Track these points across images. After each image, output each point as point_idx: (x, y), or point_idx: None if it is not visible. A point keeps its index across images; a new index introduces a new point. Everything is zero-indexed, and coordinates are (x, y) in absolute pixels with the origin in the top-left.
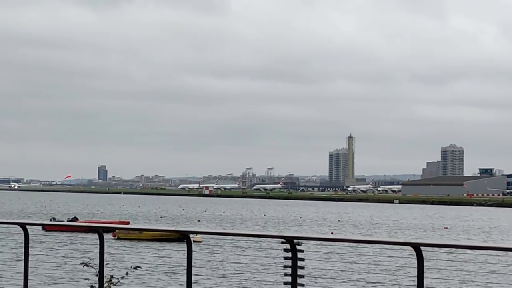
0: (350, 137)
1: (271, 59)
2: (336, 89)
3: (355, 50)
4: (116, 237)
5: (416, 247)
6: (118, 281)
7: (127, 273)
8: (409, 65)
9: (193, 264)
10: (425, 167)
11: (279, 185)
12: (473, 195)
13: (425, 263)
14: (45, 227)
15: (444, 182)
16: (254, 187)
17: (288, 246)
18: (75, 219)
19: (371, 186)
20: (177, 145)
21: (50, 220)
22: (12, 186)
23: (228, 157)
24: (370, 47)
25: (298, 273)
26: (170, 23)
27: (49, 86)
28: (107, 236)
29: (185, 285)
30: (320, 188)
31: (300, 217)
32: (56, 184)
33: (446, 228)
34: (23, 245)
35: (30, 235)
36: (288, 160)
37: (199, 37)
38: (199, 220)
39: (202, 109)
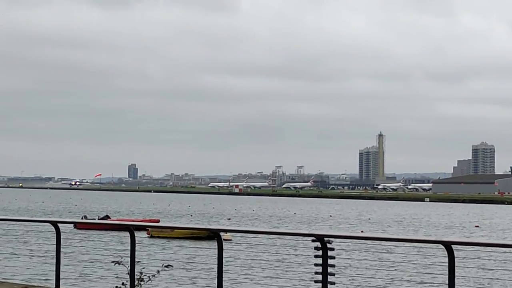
0: (380, 135)
1: (285, 57)
2: (354, 87)
3: (367, 48)
4: (150, 235)
5: (447, 245)
6: (150, 279)
7: (158, 272)
8: (423, 63)
9: (223, 262)
10: (456, 165)
11: (309, 184)
12: (504, 193)
13: (456, 262)
14: (77, 225)
15: (475, 181)
16: (284, 186)
17: (318, 244)
18: (106, 217)
19: (401, 184)
20: (203, 144)
21: (82, 218)
22: (73, 183)
23: (257, 156)
24: (382, 45)
25: (329, 271)
26: (182, 22)
27: (70, 85)
28: (139, 234)
29: (216, 283)
30: (350, 186)
31: (330, 216)
32: (87, 182)
33: (477, 226)
34: (55, 242)
35: (61, 233)
36: (317, 158)
37: (212, 36)
38: (229, 219)
39: (223, 107)
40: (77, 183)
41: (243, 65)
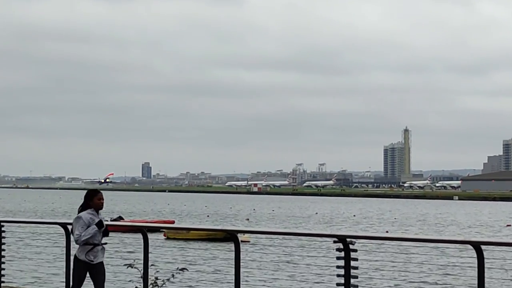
0: (406, 130)
1: (298, 50)
2: (372, 80)
3: (383, 40)
4: (166, 237)
5: (477, 245)
6: (164, 283)
7: (172, 275)
8: (442, 55)
9: (241, 265)
10: (486, 162)
11: (331, 182)
12: None
13: (486, 263)
14: None
15: (507, 177)
16: (305, 184)
17: (340, 245)
18: (119, 218)
19: (428, 181)
20: (218, 141)
21: None
22: (103, 180)
23: (276, 153)
24: (398, 36)
25: (351, 273)
26: (188, 14)
27: (76, 80)
28: (154, 236)
29: (233, 286)
30: (375, 184)
31: (354, 215)
32: (98, 182)
33: (509, 225)
34: (64, 245)
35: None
36: (340, 155)
37: (220, 28)
38: (247, 219)
39: (236, 102)
40: (108, 180)
41: (255, 59)
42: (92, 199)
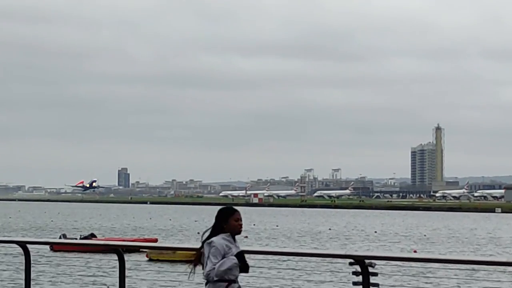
0: (438, 129)
1: (302, 32)
2: (393, 69)
3: (405, 19)
4: (149, 258)
5: None
6: None
7: None
8: (478, 37)
9: None
10: None
11: (347, 191)
12: None
13: None
14: (53, 247)
15: None
16: (315, 194)
17: (358, 268)
18: (91, 236)
19: (465, 191)
20: (210, 142)
21: (60, 238)
22: (88, 185)
23: (280, 156)
24: (423, 16)
25: None
26: None
27: (36, 69)
28: (135, 257)
29: None
30: (401, 194)
31: (375, 232)
32: (65, 192)
33: None
34: (23, 268)
35: (32, 256)
36: (358, 159)
37: (208, 6)
38: (246, 236)
39: (231, 95)
40: (95, 185)
41: (252, 43)
42: (228, 220)
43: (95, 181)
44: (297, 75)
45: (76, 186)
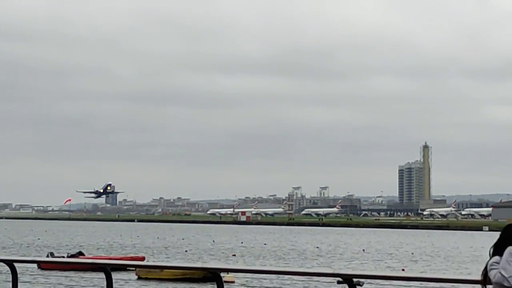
0: (426, 147)
1: (283, 50)
2: (375, 87)
3: (386, 38)
4: (138, 277)
5: None
6: None
7: None
8: (457, 56)
9: None
10: None
11: (335, 209)
12: None
13: None
14: (41, 265)
15: None
16: (303, 212)
17: (346, 286)
18: (79, 254)
19: (453, 209)
20: (196, 160)
21: (47, 256)
22: (102, 191)
23: (267, 174)
24: (403, 35)
25: None
26: (148, 8)
27: (19, 87)
28: (124, 275)
29: None
30: (388, 212)
31: (363, 250)
32: (53, 210)
33: None
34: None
35: (20, 275)
36: (345, 177)
37: (189, 24)
38: (233, 255)
39: (215, 113)
40: (108, 190)
41: (233, 61)
42: None
43: (109, 184)
44: (279, 93)
45: (88, 192)
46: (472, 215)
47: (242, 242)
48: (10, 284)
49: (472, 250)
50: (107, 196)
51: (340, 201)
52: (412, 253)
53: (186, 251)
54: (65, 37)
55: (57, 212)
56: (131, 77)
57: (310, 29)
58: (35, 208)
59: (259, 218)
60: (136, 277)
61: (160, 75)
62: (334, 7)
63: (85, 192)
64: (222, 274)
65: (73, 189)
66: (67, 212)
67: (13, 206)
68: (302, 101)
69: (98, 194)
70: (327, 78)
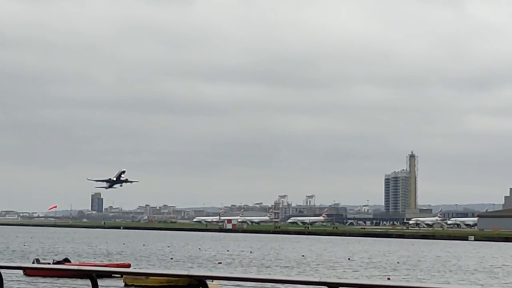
0: (412, 156)
1: (264, 58)
2: (358, 96)
3: (366, 47)
4: (125, 284)
5: None
6: None
7: None
8: (438, 66)
9: None
10: (508, 195)
11: (321, 218)
12: None
13: None
14: (27, 271)
15: None
16: (289, 220)
17: None
18: (65, 260)
19: (438, 218)
20: (182, 167)
21: (33, 262)
22: (115, 179)
23: (253, 183)
24: (384, 44)
25: None
26: (127, 15)
27: (0, 93)
28: (111, 282)
29: None
30: (374, 221)
31: (349, 259)
32: (38, 216)
33: None
34: None
35: (6, 281)
36: (331, 186)
37: (169, 32)
38: (219, 263)
39: (199, 121)
40: (122, 178)
41: (215, 68)
42: None
43: (123, 172)
44: (261, 101)
45: (100, 180)
46: (457, 224)
47: (228, 250)
48: None
49: (458, 259)
50: (120, 185)
51: (326, 209)
52: (398, 262)
53: (171, 258)
54: (46, 43)
55: (42, 218)
56: (112, 84)
57: (290, 38)
58: (21, 214)
59: (245, 226)
60: (123, 284)
61: (142, 82)
62: (312, 16)
63: (96, 181)
64: (208, 282)
65: (59, 195)
66: (52, 219)
67: None
68: (285, 109)
69: (111, 183)
70: (308, 86)
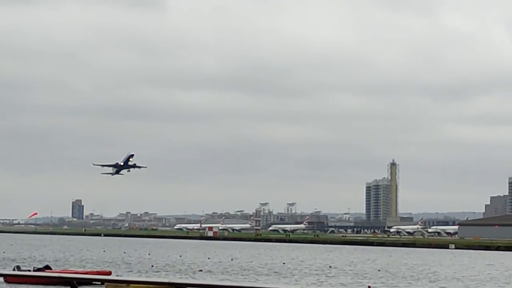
0: (393, 164)
1: (240, 66)
2: (335, 104)
3: (341, 55)
4: None
5: None
6: None
7: None
8: (412, 74)
9: None
10: (489, 203)
11: (302, 226)
12: None
13: None
14: (7, 278)
15: None
16: (270, 228)
17: None
18: (46, 268)
19: (419, 226)
20: (164, 175)
21: (14, 270)
22: (122, 164)
23: (235, 190)
24: (358, 51)
25: None
26: (103, 22)
27: None
28: None
29: None
30: (355, 229)
31: (330, 266)
32: (18, 223)
33: None
34: None
35: None
36: (313, 194)
37: (144, 39)
38: (200, 270)
39: (177, 128)
40: (130, 162)
41: (192, 76)
42: None
43: (132, 155)
44: (238, 109)
45: (107, 165)
46: (438, 232)
47: (209, 258)
48: None
49: (439, 268)
50: (128, 171)
51: (307, 217)
52: (379, 270)
53: (152, 266)
54: (21, 50)
55: (23, 225)
56: (90, 91)
57: (266, 46)
58: (1, 221)
59: (226, 233)
60: None
61: (119, 90)
62: (288, 24)
63: (102, 166)
64: None
65: (39, 202)
66: (33, 226)
67: None
68: (263, 117)
69: (118, 168)
70: (286, 94)
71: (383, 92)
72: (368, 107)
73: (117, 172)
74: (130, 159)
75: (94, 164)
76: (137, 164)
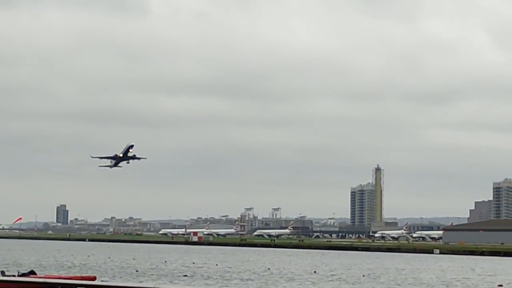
0: (378, 170)
1: (222, 72)
2: (316, 110)
3: (322, 61)
4: None
5: None
6: None
7: None
8: (393, 80)
9: None
10: (473, 208)
11: (287, 231)
12: None
13: None
14: None
15: (497, 227)
16: (255, 233)
17: None
18: (31, 273)
19: (404, 231)
20: (148, 180)
21: None
22: (121, 155)
23: (219, 195)
24: (339, 57)
25: None
26: (85, 28)
27: None
28: None
29: None
30: (340, 234)
31: (315, 271)
32: (3, 228)
33: (501, 286)
34: None
35: None
36: (298, 199)
37: (125, 44)
38: (185, 275)
39: (160, 133)
40: (130, 154)
41: (174, 82)
42: None
43: (131, 146)
44: (220, 114)
45: (106, 158)
46: (423, 238)
47: (193, 262)
48: None
49: (423, 273)
50: (127, 162)
51: (292, 222)
52: (363, 275)
53: (137, 271)
54: (3, 56)
55: (7, 230)
56: (72, 96)
57: (247, 52)
58: None
59: (211, 238)
60: None
61: (102, 95)
62: (268, 30)
63: (101, 158)
64: None
65: (24, 207)
66: (17, 231)
67: None
68: (245, 122)
69: (117, 160)
70: (267, 100)
71: (365, 97)
72: (349, 112)
73: (115, 165)
74: (130, 150)
75: (92, 157)
76: (137, 156)
